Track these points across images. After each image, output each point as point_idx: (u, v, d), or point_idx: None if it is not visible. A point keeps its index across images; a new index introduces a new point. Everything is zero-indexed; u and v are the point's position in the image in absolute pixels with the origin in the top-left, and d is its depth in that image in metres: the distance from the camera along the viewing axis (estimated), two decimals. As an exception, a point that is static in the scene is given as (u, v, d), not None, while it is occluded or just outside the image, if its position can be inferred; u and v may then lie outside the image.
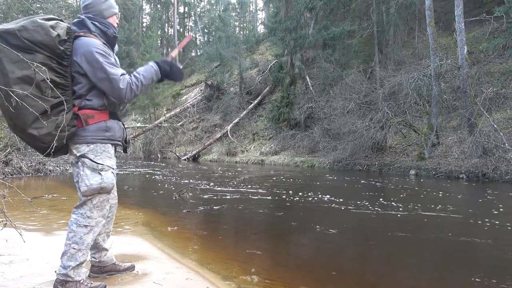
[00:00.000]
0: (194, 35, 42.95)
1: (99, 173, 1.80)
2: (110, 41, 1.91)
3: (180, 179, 8.64)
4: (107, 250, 2.09)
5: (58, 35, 1.67)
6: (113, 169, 1.89)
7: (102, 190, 1.82)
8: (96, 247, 2.04)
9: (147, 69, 1.91)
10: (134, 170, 11.32)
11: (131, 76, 1.85)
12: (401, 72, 12.55)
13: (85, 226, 1.80)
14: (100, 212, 1.86)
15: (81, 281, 1.81)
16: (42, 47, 1.63)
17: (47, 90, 1.62)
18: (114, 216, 2.14)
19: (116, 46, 2.02)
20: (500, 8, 11.46)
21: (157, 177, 9.14)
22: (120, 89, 1.77)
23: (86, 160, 1.78)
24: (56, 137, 1.64)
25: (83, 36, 1.79)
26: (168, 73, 1.97)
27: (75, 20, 1.88)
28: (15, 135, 7.28)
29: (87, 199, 1.82)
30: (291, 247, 3.32)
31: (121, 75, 1.79)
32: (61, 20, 1.76)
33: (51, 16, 1.76)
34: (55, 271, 1.85)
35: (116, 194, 2.08)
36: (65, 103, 1.69)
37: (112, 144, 1.89)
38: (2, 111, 1.63)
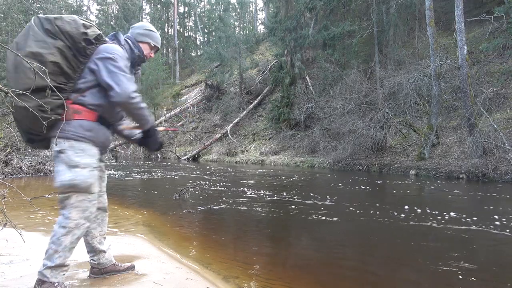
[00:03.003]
0: (194, 35, 42.96)
1: (72, 170, 1.76)
2: (133, 59, 2.04)
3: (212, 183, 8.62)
4: (104, 252, 2.07)
5: (85, 33, 1.82)
6: (92, 167, 1.82)
7: (74, 188, 1.76)
8: (93, 251, 2.03)
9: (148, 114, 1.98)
10: (172, 174, 11.30)
11: None
12: (401, 72, 12.55)
13: (64, 227, 1.75)
14: (81, 213, 1.79)
15: (56, 284, 1.76)
16: (67, 37, 1.78)
17: (52, 72, 1.70)
18: (107, 217, 2.10)
19: (139, 72, 2.18)
20: (500, 8, 11.47)
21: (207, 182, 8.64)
22: (128, 86, 1.79)
23: (62, 155, 1.77)
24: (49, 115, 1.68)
25: (109, 42, 1.95)
26: (150, 138, 2.03)
27: (112, 33, 2.07)
28: (15, 135, 7.30)
29: (63, 198, 1.78)
30: (291, 247, 3.32)
31: (129, 80, 1.85)
32: (100, 29, 1.93)
33: (93, 23, 1.92)
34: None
35: (105, 198, 2.07)
36: (59, 92, 1.73)
37: (94, 146, 1.86)
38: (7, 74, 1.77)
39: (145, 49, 2.12)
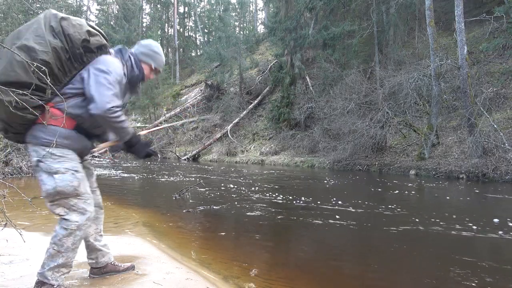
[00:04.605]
0: (194, 35, 42.98)
1: (54, 177, 1.73)
2: (131, 77, 1.99)
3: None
4: (101, 250, 2.06)
5: (87, 40, 1.78)
6: (73, 171, 1.78)
7: (61, 195, 1.74)
8: (89, 248, 2.04)
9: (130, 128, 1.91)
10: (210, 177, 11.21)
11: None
12: (401, 72, 12.55)
13: (65, 229, 1.76)
14: (81, 215, 1.79)
15: (56, 287, 1.76)
16: (67, 39, 1.74)
17: (40, 75, 1.61)
18: (102, 215, 2.10)
19: (139, 90, 2.12)
20: (500, 8, 11.47)
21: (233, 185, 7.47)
22: (109, 100, 1.72)
23: (41, 164, 1.73)
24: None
25: (111, 54, 1.92)
26: (133, 146, 1.97)
27: (119, 46, 2.04)
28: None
29: (54, 205, 1.76)
30: (291, 247, 3.32)
31: (113, 95, 1.77)
32: (106, 40, 1.91)
33: (100, 32, 1.89)
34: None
35: (98, 194, 2.07)
36: (43, 93, 1.67)
37: (73, 151, 1.81)
38: None
39: (146, 69, 2.07)
